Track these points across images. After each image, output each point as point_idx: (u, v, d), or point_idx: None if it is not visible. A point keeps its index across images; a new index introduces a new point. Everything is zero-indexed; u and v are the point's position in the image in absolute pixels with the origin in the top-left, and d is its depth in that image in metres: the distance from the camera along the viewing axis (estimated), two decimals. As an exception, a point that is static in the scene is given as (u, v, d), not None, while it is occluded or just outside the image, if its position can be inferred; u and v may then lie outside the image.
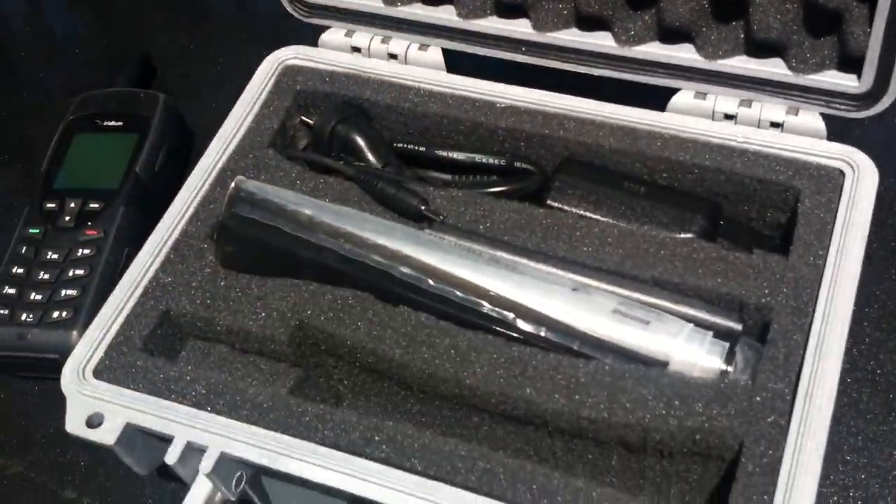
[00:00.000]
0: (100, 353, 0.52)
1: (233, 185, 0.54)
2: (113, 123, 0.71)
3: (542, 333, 0.48)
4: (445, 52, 0.62)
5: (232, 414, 0.48)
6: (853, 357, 0.57)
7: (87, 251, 0.64)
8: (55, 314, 0.62)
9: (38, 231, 0.66)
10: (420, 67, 0.61)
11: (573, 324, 0.48)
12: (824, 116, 0.54)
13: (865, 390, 0.56)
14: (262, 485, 0.52)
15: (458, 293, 0.49)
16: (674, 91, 0.57)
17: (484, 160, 0.58)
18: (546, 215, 0.53)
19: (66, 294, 0.62)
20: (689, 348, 0.46)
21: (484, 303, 0.49)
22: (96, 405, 0.50)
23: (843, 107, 0.53)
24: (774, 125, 0.54)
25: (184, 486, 0.48)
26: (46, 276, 0.63)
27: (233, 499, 0.49)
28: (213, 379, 0.50)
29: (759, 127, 0.55)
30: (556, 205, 0.54)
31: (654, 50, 0.56)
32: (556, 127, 0.56)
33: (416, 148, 0.60)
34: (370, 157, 0.59)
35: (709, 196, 0.54)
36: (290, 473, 0.46)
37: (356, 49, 0.63)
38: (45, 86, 0.84)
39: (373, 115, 0.61)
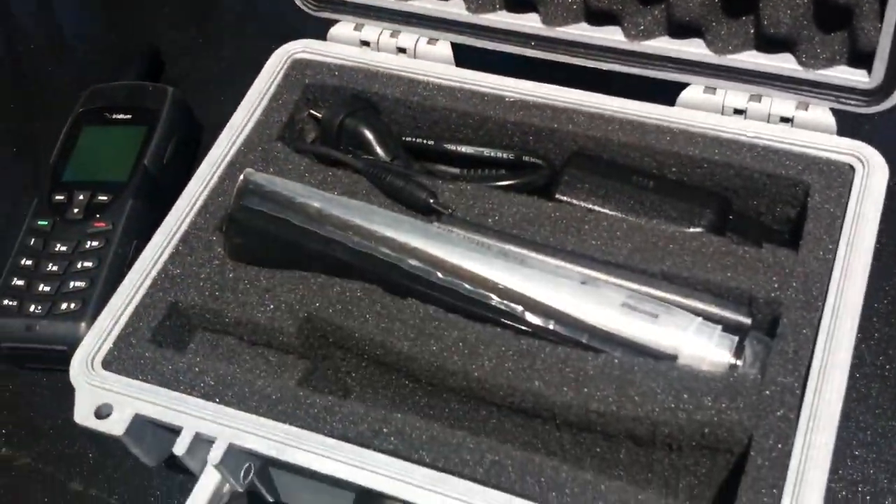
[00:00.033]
0: (108, 344, 0.52)
1: (241, 177, 0.54)
2: (121, 116, 0.71)
3: (551, 326, 0.48)
4: (454, 46, 0.62)
5: (240, 405, 0.48)
6: (862, 352, 0.57)
7: (95, 243, 0.64)
8: (63, 306, 0.62)
9: (46, 223, 0.66)
10: (429, 61, 0.61)
11: (582, 317, 0.48)
12: (834, 111, 0.54)
13: (874, 385, 0.56)
14: (270, 477, 0.52)
15: (467, 286, 0.49)
16: (683, 86, 0.57)
17: (492, 154, 0.58)
18: (555, 209, 0.53)
19: (74, 286, 0.63)
20: (698, 342, 0.46)
21: (492, 296, 0.49)
22: (105, 396, 0.50)
23: (853, 102, 0.53)
24: (784, 120, 0.54)
25: (192, 479, 0.48)
26: (55, 268, 0.63)
27: (241, 490, 0.49)
28: (221, 370, 0.50)
29: (768, 122, 0.55)
30: (564, 198, 0.54)
31: (663, 45, 0.56)
32: (565, 121, 0.56)
33: (425, 142, 0.60)
34: (378, 150, 0.59)
35: (718, 190, 0.54)
36: (299, 465, 0.46)
37: (365, 43, 0.63)
38: (54, 80, 0.84)
39: (381, 108, 0.61)
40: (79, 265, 0.63)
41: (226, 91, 0.66)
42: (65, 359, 0.53)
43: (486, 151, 0.59)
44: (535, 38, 0.59)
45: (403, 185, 0.55)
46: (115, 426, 0.49)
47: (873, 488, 0.53)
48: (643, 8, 0.56)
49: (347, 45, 0.64)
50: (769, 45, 0.54)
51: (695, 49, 0.56)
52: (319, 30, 0.64)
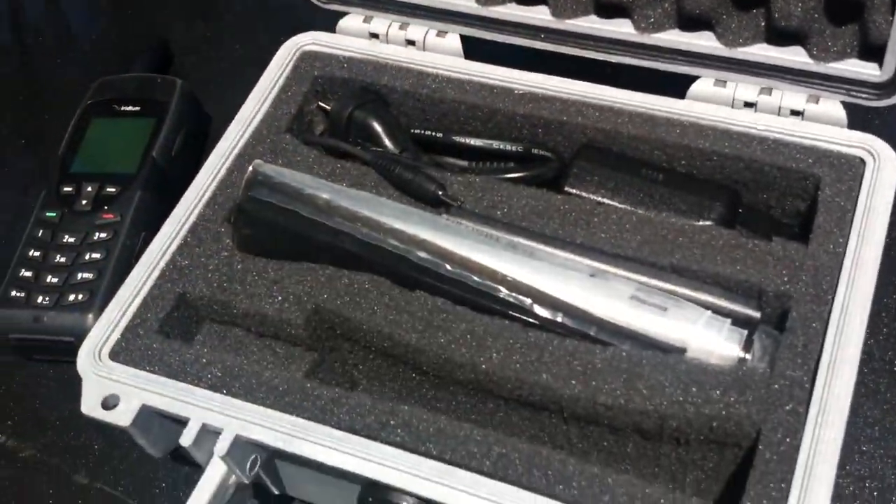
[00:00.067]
0: (116, 335, 0.52)
1: (250, 168, 0.54)
2: (130, 108, 0.71)
3: (559, 319, 0.48)
4: (464, 38, 0.61)
5: (247, 397, 0.48)
6: (870, 347, 0.57)
7: (103, 235, 0.64)
8: (71, 297, 0.62)
9: (54, 215, 0.66)
10: (438, 54, 0.61)
11: (590, 310, 0.48)
12: (845, 105, 0.54)
13: (883, 381, 0.56)
14: (275, 469, 0.52)
15: (475, 278, 0.49)
16: (693, 79, 0.56)
17: (501, 147, 0.58)
18: (564, 201, 0.53)
19: (82, 277, 0.63)
20: (706, 335, 0.46)
21: (501, 288, 0.49)
22: (112, 387, 0.50)
23: (863, 95, 0.53)
24: (794, 113, 0.54)
25: (198, 470, 0.48)
26: (63, 260, 0.63)
27: (247, 482, 0.49)
28: (228, 362, 0.50)
29: (779, 115, 0.54)
30: (573, 191, 0.54)
31: (673, 37, 0.56)
32: (575, 113, 0.56)
33: (434, 134, 0.60)
34: (387, 142, 0.59)
35: (728, 184, 0.54)
36: (305, 456, 0.46)
37: (374, 35, 0.63)
38: (62, 73, 0.84)
39: (390, 101, 0.61)
40: (87, 256, 0.63)
41: (234, 84, 0.66)
42: (72, 350, 0.53)
43: (495, 144, 0.58)
44: (545, 30, 0.59)
45: (412, 177, 0.55)
46: (121, 417, 0.49)
47: (881, 484, 0.53)
48: (653, 0, 0.56)
49: (356, 37, 0.63)
50: (780, 37, 0.54)
51: (705, 42, 0.55)
52: (329, 22, 0.64)
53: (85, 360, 0.51)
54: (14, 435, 0.62)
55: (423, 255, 0.50)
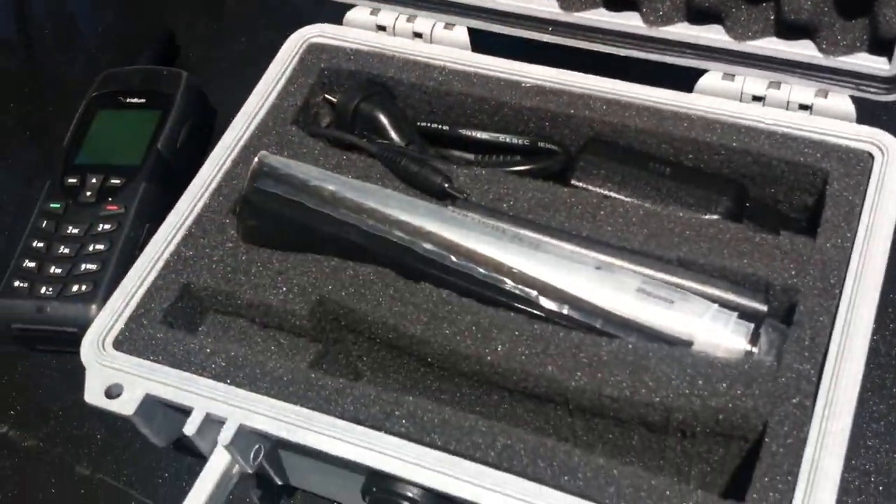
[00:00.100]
0: (120, 325, 0.52)
1: (256, 159, 0.54)
2: (135, 100, 0.71)
3: (565, 311, 0.48)
4: (471, 31, 0.61)
5: (251, 386, 0.48)
6: (876, 342, 0.57)
7: (107, 226, 0.64)
8: (74, 288, 0.62)
9: (59, 206, 0.66)
10: (445, 46, 0.61)
11: (596, 302, 0.47)
12: (854, 99, 0.53)
13: (889, 376, 0.56)
14: (279, 459, 0.52)
15: (481, 270, 0.49)
16: (701, 72, 0.56)
17: (508, 140, 0.58)
18: (570, 194, 0.53)
19: (85, 268, 0.62)
20: (713, 328, 0.46)
21: (507, 280, 0.49)
22: (116, 376, 0.50)
23: (873, 89, 0.53)
24: (803, 107, 0.54)
25: (201, 462, 0.48)
26: (66, 251, 0.63)
27: (250, 471, 0.49)
28: (232, 352, 0.50)
29: (787, 109, 0.54)
30: (580, 184, 0.54)
31: (682, 30, 0.56)
32: (582, 107, 0.56)
33: (440, 127, 0.60)
34: (393, 135, 0.59)
35: (735, 178, 0.54)
36: (309, 446, 0.46)
37: (381, 27, 0.63)
38: (67, 66, 0.84)
39: (397, 93, 0.61)
40: (90, 248, 0.63)
41: (240, 77, 0.66)
42: (75, 341, 0.53)
43: (502, 137, 0.58)
44: (553, 23, 0.59)
45: (418, 169, 0.55)
46: (125, 406, 0.49)
47: (886, 479, 0.52)
48: (662, -7, 0.56)
49: (363, 29, 0.63)
50: (789, 31, 0.53)
51: (714, 35, 0.55)
52: (335, 14, 0.64)
53: (89, 350, 0.51)
54: (16, 425, 0.62)
55: (428, 246, 0.50)
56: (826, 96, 0.54)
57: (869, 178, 0.51)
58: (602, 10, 0.58)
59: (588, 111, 0.56)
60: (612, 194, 0.53)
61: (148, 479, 0.58)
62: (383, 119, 0.59)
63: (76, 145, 0.69)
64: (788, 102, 0.54)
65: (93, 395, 0.49)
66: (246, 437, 0.47)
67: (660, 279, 0.49)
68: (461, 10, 0.61)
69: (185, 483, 0.58)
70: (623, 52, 0.58)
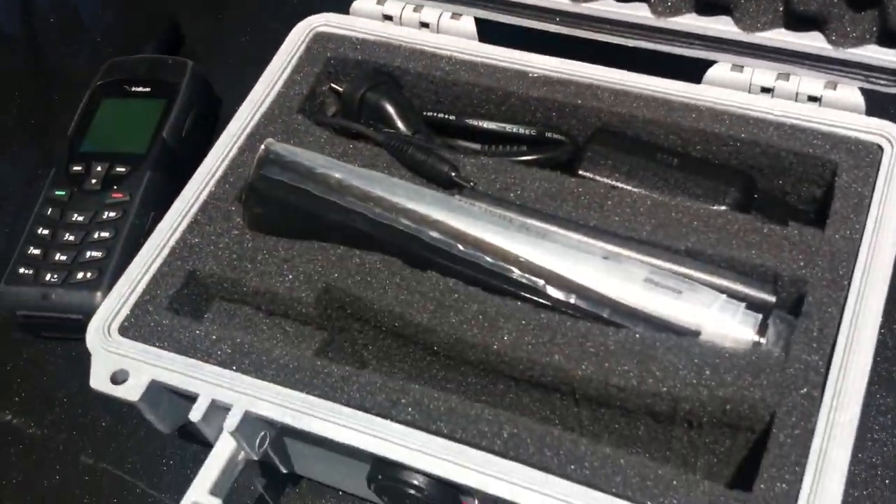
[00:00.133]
0: (125, 311, 0.52)
1: (262, 146, 0.54)
2: (141, 89, 0.71)
3: (572, 301, 0.48)
4: (478, 21, 0.61)
5: (257, 373, 0.48)
6: (884, 336, 0.56)
7: (112, 214, 0.64)
8: (80, 275, 0.62)
9: (64, 193, 0.66)
10: (452, 36, 0.61)
11: (604, 291, 0.47)
12: (863, 91, 0.53)
13: (896, 369, 0.56)
14: (284, 447, 0.52)
15: (488, 259, 0.49)
16: (709, 64, 0.56)
17: (515, 130, 0.58)
18: (578, 184, 0.53)
19: (90, 256, 0.62)
20: (721, 319, 0.46)
21: (513, 269, 0.48)
22: (121, 362, 0.50)
23: (882, 81, 0.53)
24: (812, 99, 0.54)
25: (205, 449, 0.48)
26: (72, 238, 0.63)
27: (256, 458, 0.49)
28: (238, 339, 0.50)
29: (796, 101, 0.54)
30: (587, 175, 0.54)
31: (690, 21, 0.56)
32: (590, 97, 0.56)
33: (447, 117, 0.60)
34: (400, 124, 0.58)
35: (743, 169, 0.53)
36: (314, 433, 0.46)
37: (388, 17, 0.63)
38: (73, 56, 0.84)
39: (403, 83, 0.60)
40: (95, 235, 0.63)
41: (245, 67, 0.66)
42: (80, 328, 0.53)
43: (508, 127, 0.58)
44: (560, 13, 0.59)
45: (425, 158, 0.54)
46: (130, 392, 0.49)
47: (893, 472, 0.52)
48: (671, -16, 0.56)
49: (370, 19, 0.63)
50: (798, 22, 0.53)
51: (722, 26, 0.55)
52: (342, 4, 0.64)
53: (94, 336, 0.51)
54: (21, 412, 0.62)
55: (435, 235, 0.50)
56: (835, 88, 0.54)
57: (878, 169, 0.50)
58: (610, 1, 0.57)
59: (596, 101, 0.56)
60: (620, 185, 0.53)
61: (152, 466, 0.58)
62: (390, 108, 0.59)
63: (81, 133, 0.69)
64: (797, 94, 0.54)
65: (98, 380, 0.49)
66: (252, 424, 0.47)
67: (667, 269, 0.49)
68: (468, -1, 0.61)
69: (190, 471, 0.58)
70: (631, 42, 0.58)
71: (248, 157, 0.56)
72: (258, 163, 0.53)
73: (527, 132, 0.58)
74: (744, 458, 0.46)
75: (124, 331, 0.51)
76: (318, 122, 0.59)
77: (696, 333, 0.46)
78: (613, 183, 0.53)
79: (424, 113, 0.60)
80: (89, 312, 0.53)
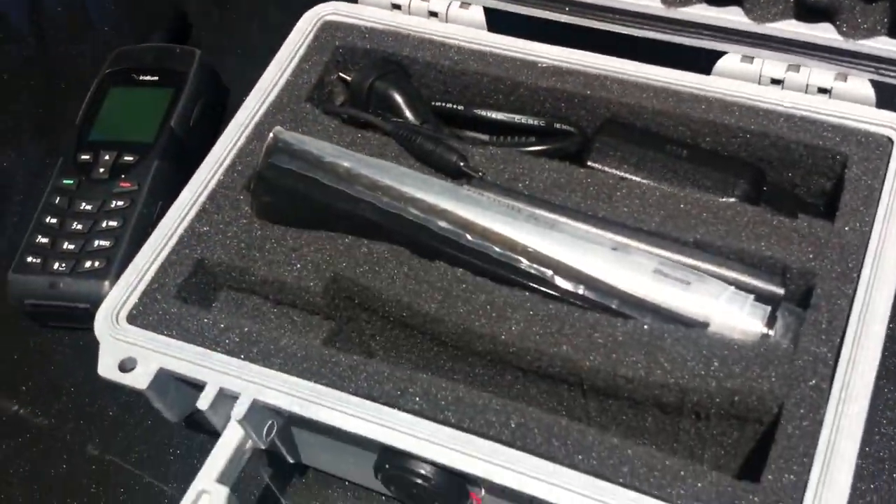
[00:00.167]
0: (134, 299, 0.52)
1: (271, 135, 0.54)
2: (148, 78, 0.71)
3: (581, 291, 0.48)
4: (487, 10, 0.61)
5: (265, 362, 0.48)
6: (892, 331, 0.56)
7: (120, 203, 0.64)
8: (87, 264, 0.62)
9: (72, 182, 0.66)
10: (461, 26, 0.61)
11: (612, 282, 0.47)
12: (874, 83, 0.53)
13: (904, 363, 0.56)
14: (291, 437, 0.52)
15: (496, 249, 0.49)
16: (720, 54, 0.56)
17: (523, 121, 0.58)
18: (586, 175, 0.53)
19: (98, 245, 0.62)
20: (729, 310, 0.46)
21: (522, 259, 0.48)
22: (129, 350, 0.50)
23: (893, 73, 0.53)
24: (822, 91, 0.53)
25: (212, 440, 0.48)
26: (79, 227, 0.63)
27: (263, 447, 0.49)
28: (246, 328, 0.50)
29: (806, 92, 0.54)
30: (596, 166, 0.54)
31: (700, 11, 0.55)
32: (599, 88, 0.56)
33: (455, 107, 0.60)
34: (408, 114, 0.58)
35: (753, 161, 0.53)
36: (322, 422, 0.46)
37: (396, 6, 0.63)
38: (81, 45, 0.84)
39: (412, 72, 0.60)
40: (103, 224, 0.63)
41: (252, 56, 0.66)
42: (88, 317, 0.53)
43: (517, 118, 0.58)
44: (570, 3, 0.58)
45: (434, 147, 0.54)
46: (139, 380, 0.49)
47: (901, 466, 0.52)
48: (681, -26, 0.55)
49: (378, 8, 0.63)
50: (809, 13, 0.53)
51: (733, 17, 0.55)
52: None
53: (102, 323, 0.51)
54: (28, 402, 0.62)
55: (443, 224, 0.50)
56: (845, 80, 0.53)
57: (888, 162, 0.50)
58: (620, -10, 0.57)
59: (605, 92, 0.56)
60: (629, 176, 0.53)
61: (159, 456, 0.58)
62: (398, 98, 0.59)
63: (89, 122, 0.69)
64: (808, 86, 0.54)
65: (106, 368, 0.49)
66: (259, 413, 0.47)
67: (676, 261, 0.48)
68: (477, -11, 0.61)
69: (197, 461, 0.58)
70: (640, 32, 0.58)
71: (257, 146, 0.56)
72: (266, 151, 0.53)
73: (535, 123, 0.58)
74: (751, 451, 0.46)
75: (132, 319, 0.51)
76: (326, 111, 0.59)
77: (705, 325, 0.46)
78: (622, 174, 0.53)
79: (433, 103, 0.60)
80: (97, 301, 0.53)
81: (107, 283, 0.60)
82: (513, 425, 0.44)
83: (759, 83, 0.55)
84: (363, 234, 0.52)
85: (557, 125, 0.57)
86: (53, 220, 0.64)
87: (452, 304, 0.48)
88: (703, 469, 0.42)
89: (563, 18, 0.59)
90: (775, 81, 0.54)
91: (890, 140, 0.51)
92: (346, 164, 0.52)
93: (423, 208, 0.50)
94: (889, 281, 0.46)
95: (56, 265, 0.62)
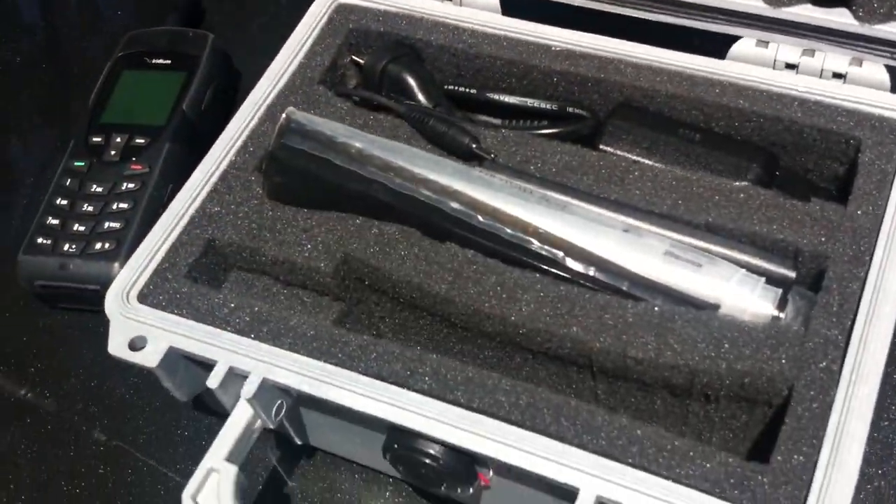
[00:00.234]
0: (144, 279, 0.52)
1: (284, 115, 0.54)
2: (161, 61, 0.71)
3: (591, 273, 0.47)
4: (501, -7, 0.61)
5: (275, 341, 0.48)
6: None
7: (131, 185, 0.64)
8: (97, 246, 0.62)
9: (83, 164, 0.66)
10: (474, 9, 0.61)
11: (623, 264, 0.47)
12: (889, 68, 0.53)
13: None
14: (300, 417, 0.52)
15: (508, 230, 0.49)
16: (734, 39, 0.55)
17: (536, 105, 0.58)
18: (598, 158, 0.53)
19: (109, 226, 0.62)
20: (740, 293, 0.46)
21: (533, 240, 0.48)
22: (139, 328, 0.50)
23: (908, 59, 0.53)
24: (837, 76, 0.53)
25: (220, 422, 0.48)
26: (90, 209, 0.63)
27: (272, 427, 0.49)
28: (256, 307, 0.50)
29: (821, 77, 0.54)
30: (608, 149, 0.53)
31: (715, -5, 0.55)
32: (612, 71, 0.56)
33: (468, 90, 0.60)
34: (421, 97, 0.58)
35: (766, 146, 0.53)
36: (332, 401, 0.46)
37: (410, -11, 0.63)
38: (93, 27, 0.84)
39: (425, 55, 0.60)
40: (114, 206, 0.63)
41: (266, 41, 0.66)
42: (97, 299, 0.53)
43: (530, 102, 0.58)
44: (585, -13, 0.59)
45: (446, 129, 0.54)
46: (148, 358, 0.49)
47: (909, 451, 0.52)
48: (695, -42, 0.55)
49: (392, -9, 0.63)
50: (825, -2, 0.53)
51: (748, 1, 0.54)
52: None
53: (113, 302, 0.51)
54: (36, 383, 0.62)
55: (455, 205, 0.50)
56: (860, 65, 0.53)
57: (902, 147, 0.50)
58: (635, -26, 0.57)
59: (618, 76, 0.55)
60: (641, 159, 0.53)
61: (167, 437, 0.58)
62: (411, 81, 0.58)
63: (101, 105, 0.69)
64: (822, 70, 0.54)
65: (116, 346, 0.49)
66: (269, 392, 0.47)
67: (687, 243, 0.48)
68: (491, -28, 0.60)
69: (205, 442, 0.57)
70: (655, 16, 0.58)
71: (269, 127, 0.56)
72: (279, 131, 0.53)
73: (548, 106, 0.57)
74: (760, 434, 0.46)
75: (143, 298, 0.51)
76: (338, 93, 0.59)
77: (716, 307, 0.46)
78: (634, 158, 0.53)
79: (445, 86, 0.60)
80: (107, 283, 0.53)
81: (116, 264, 0.60)
82: (522, 405, 0.44)
83: (774, 68, 0.55)
84: (374, 215, 0.52)
85: (570, 109, 0.57)
86: (64, 202, 0.64)
87: (463, 286, 0.48)
88: (712, 450, 0.42)
89: (578, 2, 0.59)
90: (790, 66, 0.54)
91: (904, 125, 0.51)
92: (358, 144, 0.52)
93: (434, 189, 0.50)
94: (902, 264, 0.46)
95: (66, 246, 0.62)
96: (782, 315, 0.45)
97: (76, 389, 0.61)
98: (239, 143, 0.56)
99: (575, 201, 0.50)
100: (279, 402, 0.48)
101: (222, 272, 0.54)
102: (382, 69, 0.59)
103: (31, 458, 0.59)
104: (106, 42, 0.79)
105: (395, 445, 0.46)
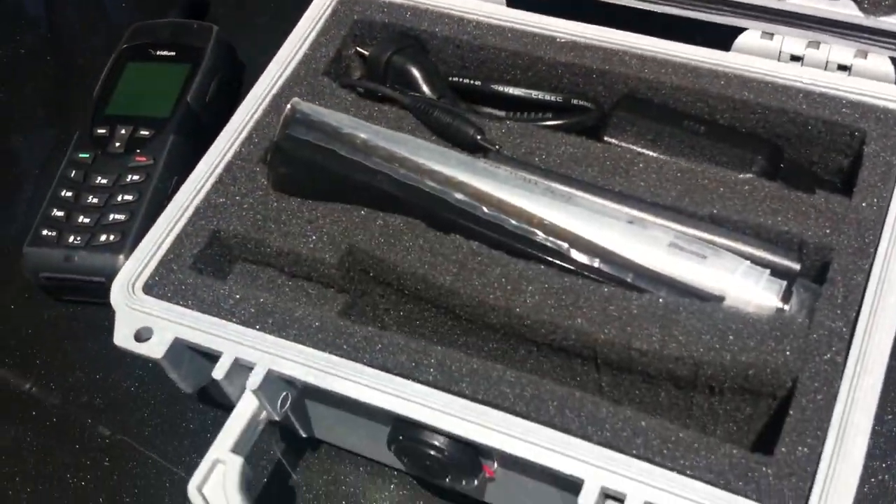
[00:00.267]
0: (150, 270, 0.52)
1: (289, 106, 0.54)
2: (165, 53, 0.71)
3: (596, 264, 0.47)
4: (506, -15, 0.61)
5: (280, 333, 0.48)
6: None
7: (136, 177, 0.64)
8: (102, 238, 0.62)
9: (87, 156, 0.66)
10: (479, 0, 0.60)
11: (628, 256, 0.47)
12: (893, 60, 0.53)
13: (919, 342, 0.55)
14: (305, 409, 0.52)
15: (513, 221, 0.49)
16: (739, 31, 0.55)
17: (540, 96, 0.58)
18: (603, 150, 0.53)
19: (113, 218, 0.62)
20: (745, 284, 0.46)
21: (538, 232, 0.48)
22: (145, 320, 0.50)
23: (914, 51, 0.52)
24: (842, 68, 0.53)
25: (225, 414, 0.48)
26: (95, 200, 0.63)
27: (277, 418, 0.49)
28: (261, 299, 0.50)
29: (826, 69, 0.54)
30: (613, 141, 0.53)
31: (721, -13, 0.55)
32: (617, 63, 0.56)
33: (472, 82, 0.59)
34: (425, 89, 0.58)
35: (770, 138, 0.53)
36: (337, 393, 0.46)
37: (414, -19, 0.63)
38: (98, 20, 0.84)
39: (430, 47, 0.60)
40: (119, 198, 0.63)
41: (270, 33, 0.66)
42: (102, 291, 0.53)
43: (535, 93, 0.58)
44: (590, -21, 0.58)
45: (451, 120, 0.54)
46: (154, 349, 0.49)
47: (913, 444, 0.52)
48: (702, -51, 0.55)
49: (397, -18, 0.63)
50: (830, -10, 0.53)
51: (753, -8, 0.54)
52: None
53: (118, 293, 0.51)
54: (41, 376, 0.62)
55: (460, 196, 0.50)
56: (866, 57, 0.53)
57: (907, 139, 0.50)
58: (640, -34, 0.57)
59: (623, 67, 0.55)
60: (646, 151, 0.53)
61: (172, 430, 0.58)
62: (415, 72, 0.58)
63: (105, 97, 0.69)
64: (827, 62, 0.54)
65: (122, 338, 0.49)
66: (274, 383, 0.48)
67: (692, 235, 0.48)
68: (496, -36, 0.60)
69: (210, 434, 0.57)
70: (661, 8, 0.58)
71: (274, 118, 0.56)
72: (284, 122, 0.53)
73: (553, 98, 0.57)
74: (764, 426, 0.46)
75: (148, 289, 0.51)
76: (343, 84, 0.59)
77: (720, 299, 0.46)
78: (639, 149, 0.53)
79: (450, 78, 0.60)
80: (111, 275, 0.53)
81: (121, 256, 0.61)
82: (527, 397, 0.44)
83: (779, 60, 0.54)
84: (379, 206, 0.52)
85: (575, 100, 0.57)
86: (69, 194, 0.64)
87: (467, 277, 0.48)
88: (717, 441, 0.42)
89: (582, -6, 0.59)
90: (795, 58, 0.54)
91: (909, 117, 0.51)
92: (363, 135, 0.52)
93: (439, 180, 0.50)
94: (906, 256, 0.46)
95: (71, 238, 0.62)
96: (787, 307, 0.45)
97: (81, 382, 0.61)
98: (244, 134, 0.56)
99: (580, 193, 0.50)
100: (284, 393, 0.49)
101: (227, 263, 0.54)
102: (387, 60, 0.59)
103: (36, 452, 0.59)
104: (110, 34, 0.79)
105: (400, 437, 0.46)
